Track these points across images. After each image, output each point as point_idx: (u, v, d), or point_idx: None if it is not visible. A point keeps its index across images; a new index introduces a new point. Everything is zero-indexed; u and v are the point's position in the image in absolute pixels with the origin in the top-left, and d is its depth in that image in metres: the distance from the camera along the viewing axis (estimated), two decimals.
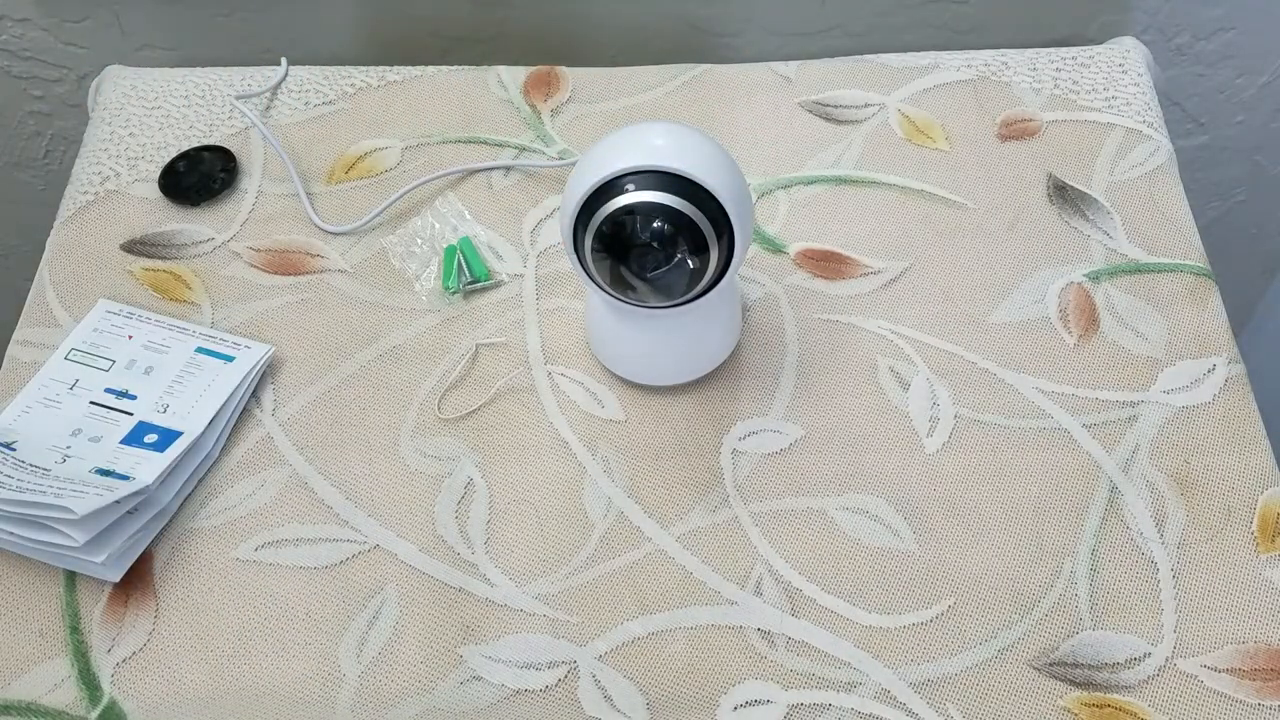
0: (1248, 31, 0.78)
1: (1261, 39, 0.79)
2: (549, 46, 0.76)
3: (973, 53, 0.72)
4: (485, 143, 0.68)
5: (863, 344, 0.60)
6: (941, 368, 0.59)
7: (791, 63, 0.72)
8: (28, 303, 0.62)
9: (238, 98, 0.70)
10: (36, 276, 0.63)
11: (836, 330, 0.60)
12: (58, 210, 0.66)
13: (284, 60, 0.72)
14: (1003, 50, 0.72)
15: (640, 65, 0.71)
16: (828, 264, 0.63)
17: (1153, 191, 0.65)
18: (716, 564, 0.53)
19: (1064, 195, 0.65)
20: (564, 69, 0.72)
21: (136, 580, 0.53)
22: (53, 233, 0.65)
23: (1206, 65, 0.80)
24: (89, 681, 0.50)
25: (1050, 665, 0.50)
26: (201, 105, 0.70)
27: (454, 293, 0.62)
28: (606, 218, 0.48)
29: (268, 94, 0.70)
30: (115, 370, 0.58)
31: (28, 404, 0.57)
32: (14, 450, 0.54)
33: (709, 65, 0.71)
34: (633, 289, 0.50)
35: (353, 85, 0.71)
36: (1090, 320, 0.60)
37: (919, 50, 0.73)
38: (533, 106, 0.70)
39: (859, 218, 0.65)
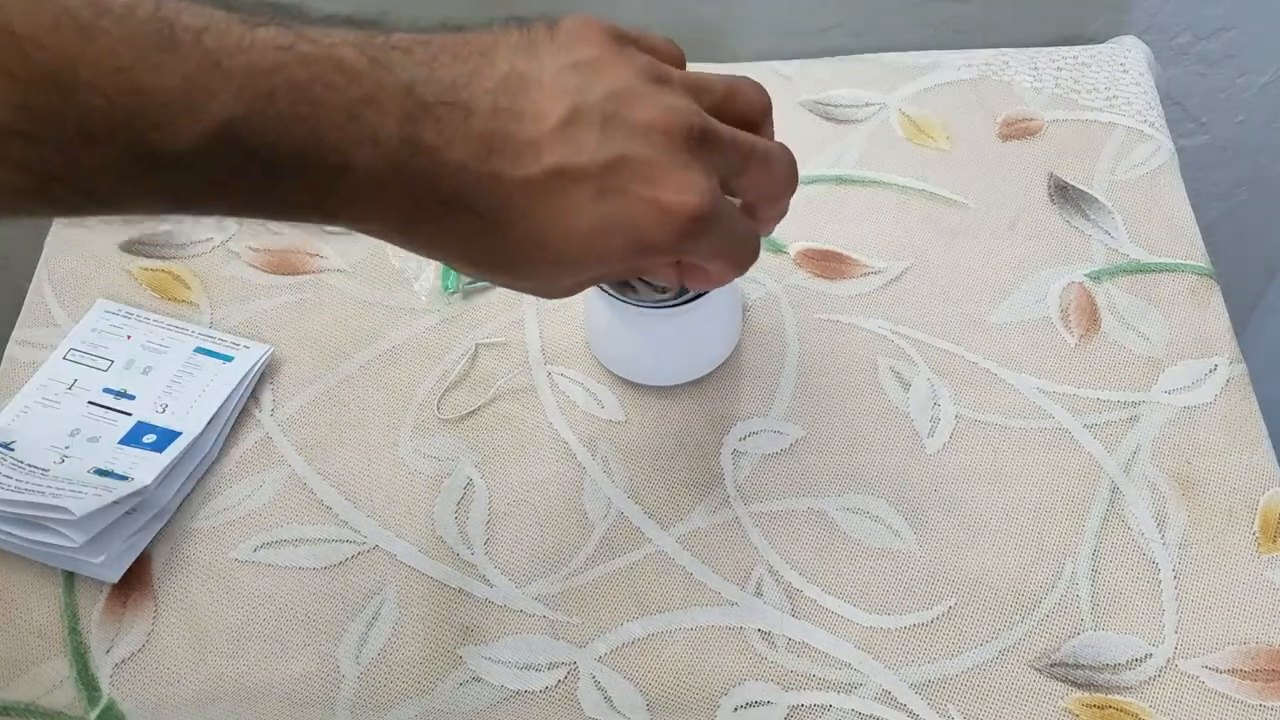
0: (1249, 31, 0.78)
1: (1263, 38, 0.78)
2: None
3: (973, 52, 0.72)
4: None
5: (863, 344, 0.60)
6: (942, 368, 0.59)
7: (791, 62, 0.72)
8: (26, 303, 0.62)
9: None
10: (35, 276, 0.63)
11: (837, 330, 0.60)
12: None
13: None
14: (1003, 49, 0.72)
15: None
16: (828, 264, 0.63)
17: (1154, 191, 0.65)
18: (717, 565, 0.53)
19: (1065, 195, 0.65)
20: None
21: (135, 581, 0.53)
22: (51, 232, 0.65)
23: (1208, 65, 0.80)
24: (88, 682, 0.50)
25: (1051, 666, 0.50)
26: None
27: (453, 292, 0.62)
28: None
29: None
30: (114, 370, 0.58)
31: (26, 404, 0.57)
32: (12, 450, 0.54)
33: (709, 65, 0.71)
34: (633, 289, 0.50)
35: None
36: (1091, 320, 0.60)
37: (919, 49, 0.73)
38: None
39: (859, 217, 0.65)
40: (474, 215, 0.33)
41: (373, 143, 0.31)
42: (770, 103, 0.40)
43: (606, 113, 0.34)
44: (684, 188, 0.34)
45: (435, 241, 0.34)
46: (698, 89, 0.37)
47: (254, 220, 0.33)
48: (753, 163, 0.38)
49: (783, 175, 0.40)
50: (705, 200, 0.35)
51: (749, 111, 0.39)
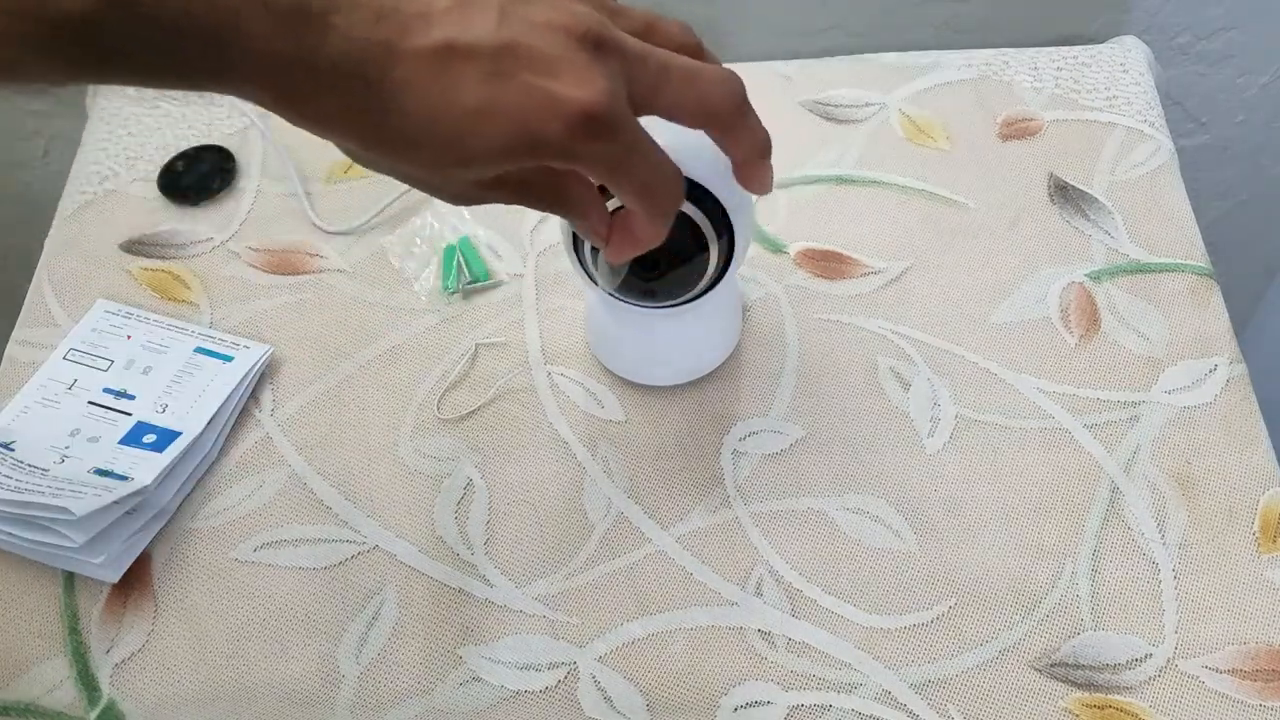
0: (1249, 31, 0.78)
1: (1262, 38, 0.78)
2: None
3: (973, 52, 0.72)
4: None
5: (863, 344, 0.60)
6: (942, 368, 0.59)
7: (791, 62, 0.72)
8: (26, 303, 0.62)
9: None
10: (35, 276, 0.63)
11: (837, 330, 0.60)
12: (56, 210, 0.66)
13: None
14: (1003, 49, 0.72)
15: None
16: (828, 264, 0.63)
17: (1154, 191, 0.65)
18: (717, 565, 0.53)
19: (1065, 195, 0.65)
20: None
21: (135, 581, 0.53)
22: (51, 232, 0.65)
23: (1208, 65, 0.80)
24: (88, 682, 0.50)
25: (1051, 666, 0.50)
26: (200, 104, 0.70)
27: (453, 293, 0.62)
28: None
29: None
30: (114, 370, 0.58)
31: (26, 404, 0.57)
32: (12, 450, 0.54)
33: None
34: (632, 289, 0.50)
35: None
36: (1091, 320, 0.60)
37: (920, 49, 0.73)
38: None
39: (859, 217, 0.65)
40: (359, 84, 0.32)
41: (264, 6, 0.31)
42: (699, 43, 0.38)
43: (504, 3, 0.33)
44: (579, 82, 0.33)
45: (323, 114, 0.34)
46: (614, 11, 0.36)
47: (150, 88, 0.33)
48: (669, 78, 0.36)
49: (716, 93, 0.37)
50: (601, 99, 0.33)
51: (669, 46, 0.37)
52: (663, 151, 0.37)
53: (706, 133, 0.39)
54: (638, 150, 0.36)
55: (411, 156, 0.34)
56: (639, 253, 0.42)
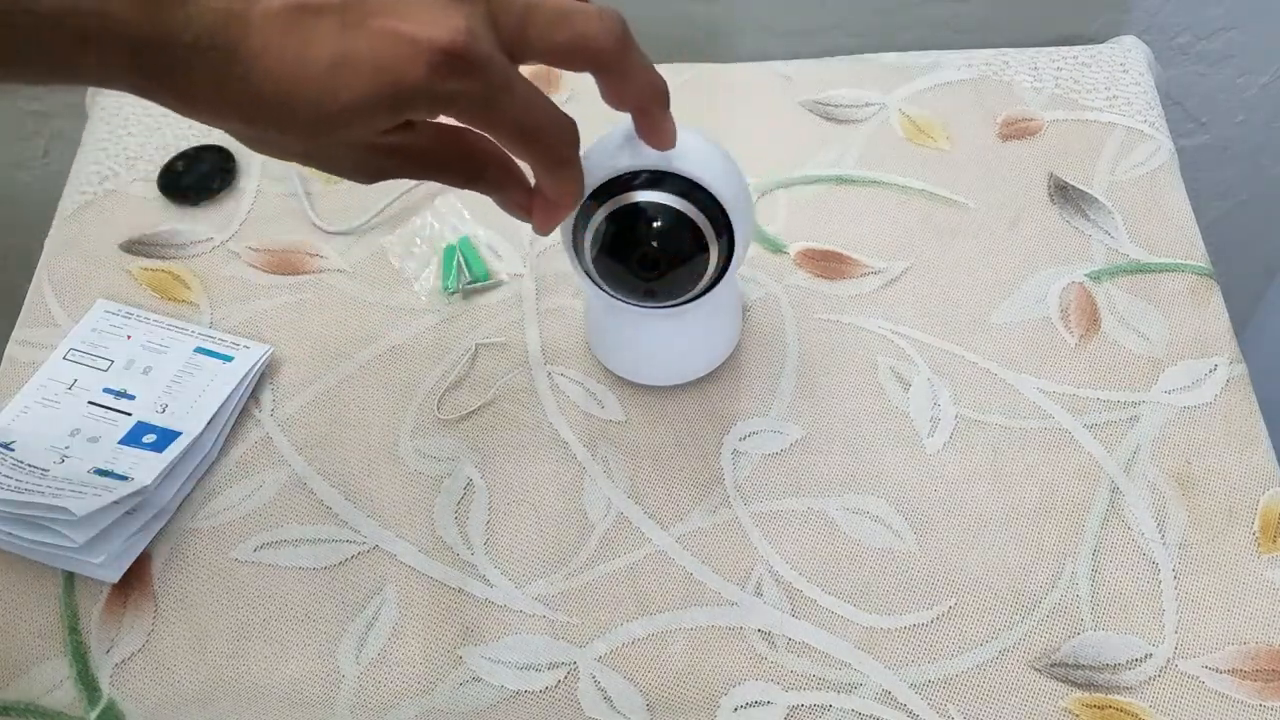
0: (1249, 31, 0.78)
1: (1263, 38, 0.79)
2: None
3: (973, 52, 0.72)
4: None
5: (863, 344, 0.60)
6: (942, 368, 0.59)
7: (791, 62, 0.72)
8: (26, 303, 0.62)
9: None
10: (35, 276, 0.63)
11: (837, 330, 0.60)
12: (56, 210, 0.66)
13: None
14: (1003, 49, 0.72)
15: None
16: (828, 264, 0.63)
17: (1154, 191, 0.65)
18: (717, 565, 0.53)
19: (1065, 195, 0.65)
20: None
21: (135, 581, 0.53)
22: (51, 232, 0.65)
23: (1208, 65, 0.80)
24: (88, 682, 0.50)
25: (1051, 666, 0.50)
26: None
27: (453, 293, 0.62)
28: (606, 217, 0.47)
29: None
30: (114, 370, 0.58)
31: (26, 404, 0.57)
32: (12, 450, 0.54)
33: (709, 65, 0.71)
34: (632, 289, 0.50)
35: None
36: (1091, 320, 0.60)
37: (920, 49, 0.73)
38: None
39: (859, 217, 0.65)
40: (220, 57, 0.33)
41: None
42: None
43: None
44: (435, 22, 0.33)
45: (195, 94, 0.34)
46: None
47: (30, 85, 0.34)
48: (536, 17, 0.35)
49: (591, 30, 0.36)
50: (459, 37, 0.33)
51: None
52: (544, 95, 0.36)
53: (594, 78, 0.38)
54: (510, 90, 0.35)
55: (286, 126, 0.34)
56: (563, 217, 0.41)
